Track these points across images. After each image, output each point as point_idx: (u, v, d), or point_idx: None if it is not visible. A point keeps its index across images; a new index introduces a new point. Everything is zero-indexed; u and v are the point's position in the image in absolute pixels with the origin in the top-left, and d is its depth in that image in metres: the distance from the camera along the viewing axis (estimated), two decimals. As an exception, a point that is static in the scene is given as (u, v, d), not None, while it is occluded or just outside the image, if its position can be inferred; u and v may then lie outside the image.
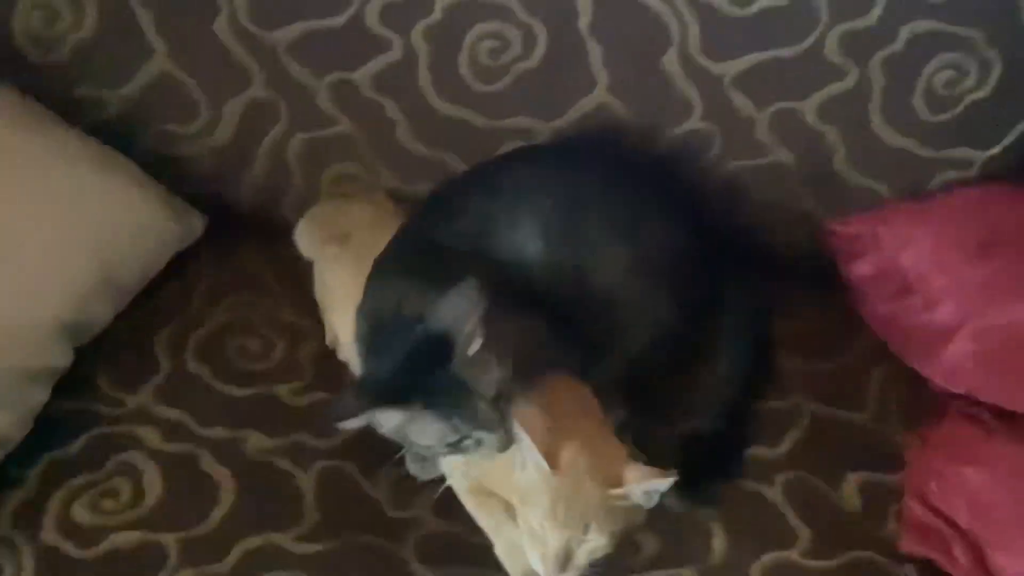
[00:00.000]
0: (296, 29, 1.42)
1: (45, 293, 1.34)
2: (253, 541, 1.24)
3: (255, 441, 1.33)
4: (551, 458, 1.14)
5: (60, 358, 1.35)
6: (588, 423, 1.20)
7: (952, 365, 1.36)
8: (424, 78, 1.44)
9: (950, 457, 1.28)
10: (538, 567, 1.15)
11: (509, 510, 1.24)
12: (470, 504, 1.28)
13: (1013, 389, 1.30)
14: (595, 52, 1.40)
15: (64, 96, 1.46)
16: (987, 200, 1.43)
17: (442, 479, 1.31)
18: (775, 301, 1.45)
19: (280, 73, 1.45)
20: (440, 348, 1.11)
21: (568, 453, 1.15)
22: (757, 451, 1.32)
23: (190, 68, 1.46)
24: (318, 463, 1.32)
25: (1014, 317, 1.32)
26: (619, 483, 1.13)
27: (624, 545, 1.17)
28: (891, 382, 1.41)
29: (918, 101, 1.40)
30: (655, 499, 1.15)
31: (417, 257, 1.27)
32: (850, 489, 1.29)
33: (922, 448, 1.32)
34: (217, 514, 1.26)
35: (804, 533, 1.24)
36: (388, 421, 1.14)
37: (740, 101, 1.41)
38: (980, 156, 1.43)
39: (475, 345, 1.11)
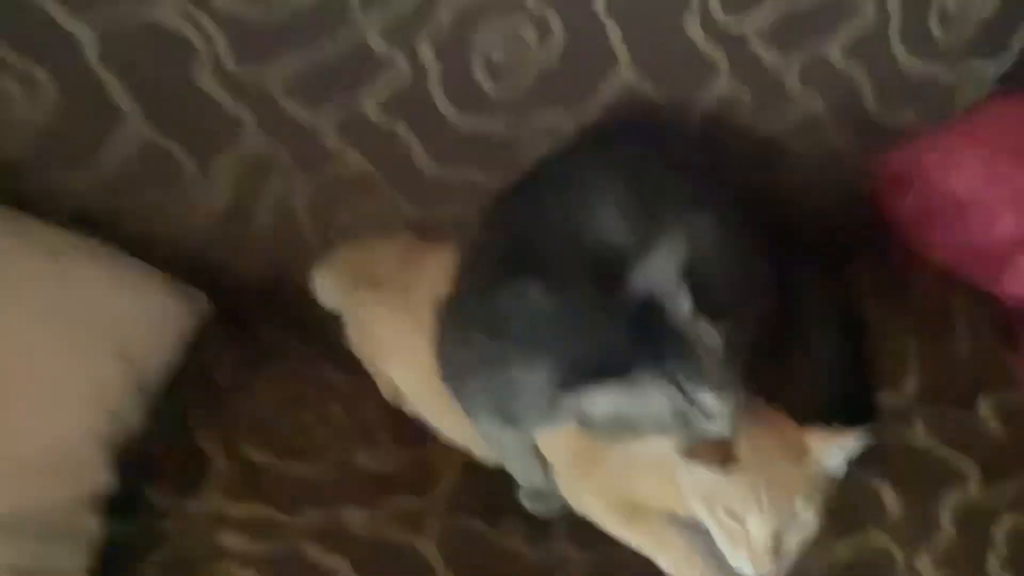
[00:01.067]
0: (289, 63, 1.28)
1: (77, 408, 1.15)
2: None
3: (355, 517, 1.18)
4: (735, 445, 1.04)
5: (107, 476, 1.15)
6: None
7: (1033, 272, 1.34)
8: (437, 92, 1.32)
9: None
10: (745, 567, 1.04)
11: (663, 519, 1.13)
12: (615, 525, 1.16)
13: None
14: (614, 31, 1.31)
15: (26, 187, 1.27)
16: (1019, 109, 1.42)
17: (570, 511, 1.18)
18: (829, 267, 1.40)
19: (276, 116, 1.30)
20: (646, 315, 1.00)
21: (747, 436, 1.05)
22: (885, 397, 1.25)
23: (171, 129, 1.29)
24: (431, 524, 1.18)
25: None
26: (805, 454, 1.04)
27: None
28: (972, 308, 1.37)
29: (933, 24, 1.39)
30: (844, 467, 1.06)
31: (503, 262, 1.15)
32: (987, 414, 1.24)
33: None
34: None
35: (969, 468, 1.18)
36: (605, 398, 1.00)
37: (766, 54, 1.36)
38: (995, 71, 1.43)
39: (685, 303, 1.00)
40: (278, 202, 1.36)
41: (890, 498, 1.16)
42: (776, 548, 1.03)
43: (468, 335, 1.12)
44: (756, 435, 1.06)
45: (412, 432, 1.27)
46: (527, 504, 1.21)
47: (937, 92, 1.43)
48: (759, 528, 1.03)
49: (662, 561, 1.12)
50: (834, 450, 1.04)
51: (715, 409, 1.00)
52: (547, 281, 1.08)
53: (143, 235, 1.32)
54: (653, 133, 1.34)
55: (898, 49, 1.39)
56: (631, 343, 1.00)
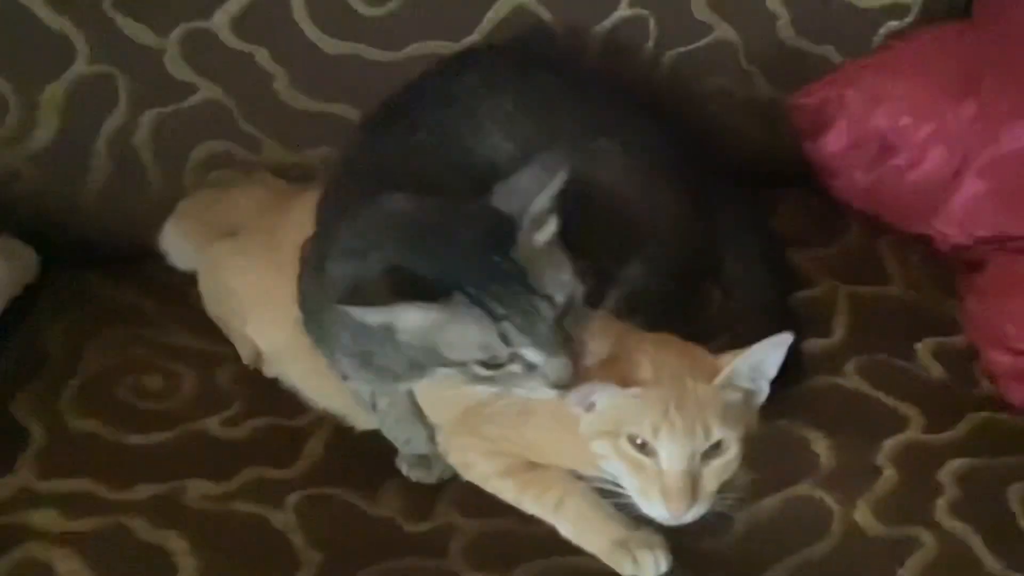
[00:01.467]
0: (124, -25, 1.12)
1: None
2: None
3: (197, 490, 0.99)
4: (639, 368, 0.88)
5: None
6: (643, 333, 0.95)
7: (967, 211, 1.21)
8: (299, 11, 1.16)
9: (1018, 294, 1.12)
10: (659, 510, 0.88)
11: (566, 478, 0.96)
12: (510, 490, 0.99)
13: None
14: (500, -56, 1.19)
15: None
16: (946, 38, 1.29)
17: (454, 476, 1.01)
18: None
19: (110, 36, 1.14)
20: (502, 235, 0.84)
21: (651, 360, 0.90)
22: (811, 344, 1.10)
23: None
24: (291, 496, 0.99)
25: (1019, 142, 1.21)
26: (717, 375, 0.89)
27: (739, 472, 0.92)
28: (901, 252, 1.24)
29: (848, -54, 1.27)
30: (765, 387, 0.91)
31: (376, 179, 0.98)
32: (926, 359, 1.10)
33: (977, 299, 1.16)
34: (184, 583, 0.91)
35: (910, 411, 1.03)
36: (414, 321, 0.84)
37: (669, -27, 1.23)
38: (916, 1, 1.32)
39: (548, 230, 0.85)
40: (116, 141, 1.19)
41: (822, 447, 1.00)
42: (693, 484, 0.87)
43: (322, 264, 0.95)
44: (662, 356, 0.90)
45: (274, 400, 1.09)
46: (407, 471, 1.03)
47: (857, 21, 1.30)
48: (672, 456, 0.87)
49: (563, 527, 0.96)
50: (750, 361, 0.89)
51: (541, 369, 0.85)
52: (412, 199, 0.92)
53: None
54: (546, 56, 1.19)
55: (812, -30, 1.27)
56: (471, 263, 0.84)
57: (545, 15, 1.21)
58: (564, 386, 0.86)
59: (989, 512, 0.94)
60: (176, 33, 1.15)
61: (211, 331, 1.15)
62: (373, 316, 0.85)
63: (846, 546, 0.93)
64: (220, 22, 1.15)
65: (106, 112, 1.17)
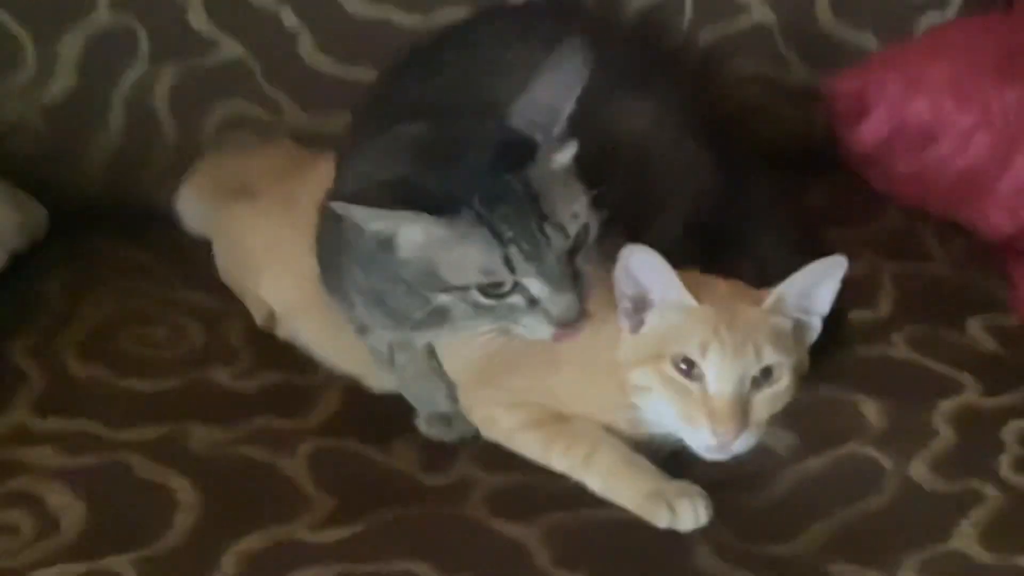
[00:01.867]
0: (152, -78, 1.10)
1: None
2: (251, 541, 0.83)
3: (202, 435, 0.93)
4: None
5: None
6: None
7: (1015, 196, 1.16)
8: (328, -31, 1.14)
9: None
10: (705, 436, 0.82)
11: (596, 430, 0.90)
12: (535, 445, 0.92)
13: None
14: (533, -89, 1.16)
15: None
16: (987, 27, 1.26)
17: (476, 436, 0.94)
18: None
19: (133, -15, 1.11)
20: (517, 156, 0.78)
21: (699, 286, 0.84)
22: (858, 315, 1.04)
23: (6, -1, 1.09)
24: (302, 446, 0.93)
25: (1067, 124, 1.17)
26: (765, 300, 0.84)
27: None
28: (943, 234, 1.19)
29: (890, -67, 1.25)
30: (817, 323, 0.85)
31: (394, 117, 0.92)
32: (977, 333, 1.03)
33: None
34: (183, 522, 0.84)
35: (965, 378, 0.97)
36: (416, 235, 0.79)
37: (703, -51, 1.21)
38: (958, -4, 1.30)
39: (567, 153, 0.80)
40: (134, 96, 1.15)
41: (872, 411, 0.93)
42: (742, 409, 0.81)
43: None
44: (709, 285, 0.85)
45: (286, 358, 1.03)
46: (427, 430, 0.96)
47: (897, 9, 1.27)
48: (721, 376, 0.81)
49: (593, 481, 0.88)
50: (799, 285, 0.84)
51: (544, 304, 0.79)
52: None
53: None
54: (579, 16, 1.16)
55: (850, -45, 1.25)
56: (481, 181, 0.79)
57: (581, -13, 1.19)
58: (567, 325, 0.80)
59: (1058, 468, 0.87)
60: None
61: (222, 291, 1.09)
62: (375, 221, 0.79)
63: (902, 500, 0.86)
64: (246, -22, 1.13)
65: (125, 66, 1.13)
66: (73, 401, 0.95)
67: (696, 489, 0.85)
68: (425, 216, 0.78)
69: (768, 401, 0.83)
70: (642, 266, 0.84)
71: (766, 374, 0.82)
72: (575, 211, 0.80)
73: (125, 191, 1.17)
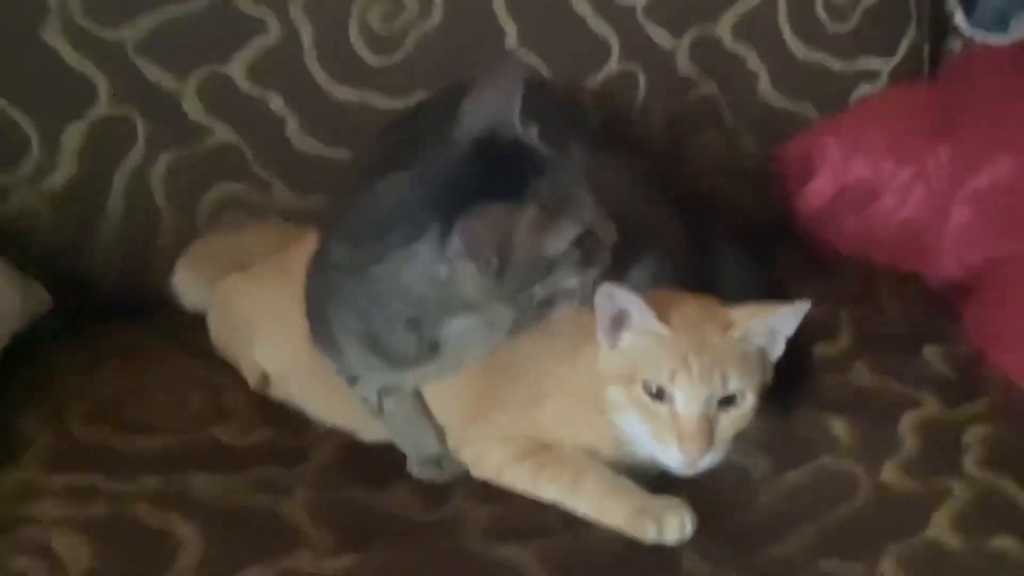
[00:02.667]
0: (147, 21, 1.18)
1: None
2: (254, 571, 0.86)
3: (203, 483, 0.96)
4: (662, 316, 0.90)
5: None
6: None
7: (957, 241, 1.25)
8: (311, 59, 1.23)
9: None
10: (673, 454, 0.88)
11: (581, 457, 0.95)
12: (523, 475, 0.97)
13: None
14: (499, 2, 1.27)
15: None
16: (915, 94, 1.39)
17: (467, 475, 0.99)
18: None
19: (132, 79, 1.19)
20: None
21: (673, 309, 0.91)
22: (821, 348, 1.11)
23: (13, 92, 1.16)
24: (300, 491, 0.97)
25: (996, 173, 1.26)
26: (731, 327, 0.90)
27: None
28: (896, 285, 1.26)
29: (820, 12, 1.36)
30: (782, 344, 0.92)
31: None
32: (935, 359, 1.10)
33: (977, 309, 1.18)
34: (187, 559, 0.88)
35: (926, 397, 1.03)
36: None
37: (656, 32, 1.31)
38: (885, 67, 1.40)
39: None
40: (132, 182, 1.22)
41: (840, 427, 0.99)
42: (709, 428, 0.87)
43: (323, 250, 0.97)
44: (682, 307, 0.91)
45: (282, 416, 1.07)
46: (419, 473, 1.01)
47: (832, 82, 1.38)
48: (688, 399, 0.87)
49: (581, 505, 0.93)
50: (767, 324, 0.91)
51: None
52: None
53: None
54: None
55: (788, 34, 1.36)
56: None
57: (542, 67, 1.29)
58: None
59: (1020, 462, 0.93)
60: (194, 77, 1.21)
61: (220, 364, 1.14)
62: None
63: (876, 503, 0.91)
64: (237, 68, 1.21)
65: (124, 153, 1.20)
66: (78, 459, 0.98)
67: (679, 502, 0.90)
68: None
69: (733, 421, 0.89)
70: (619, 297, 0.91)
71: (731, 397, 0.89)
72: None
73: (128, 273, 1.23)
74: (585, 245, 0.88)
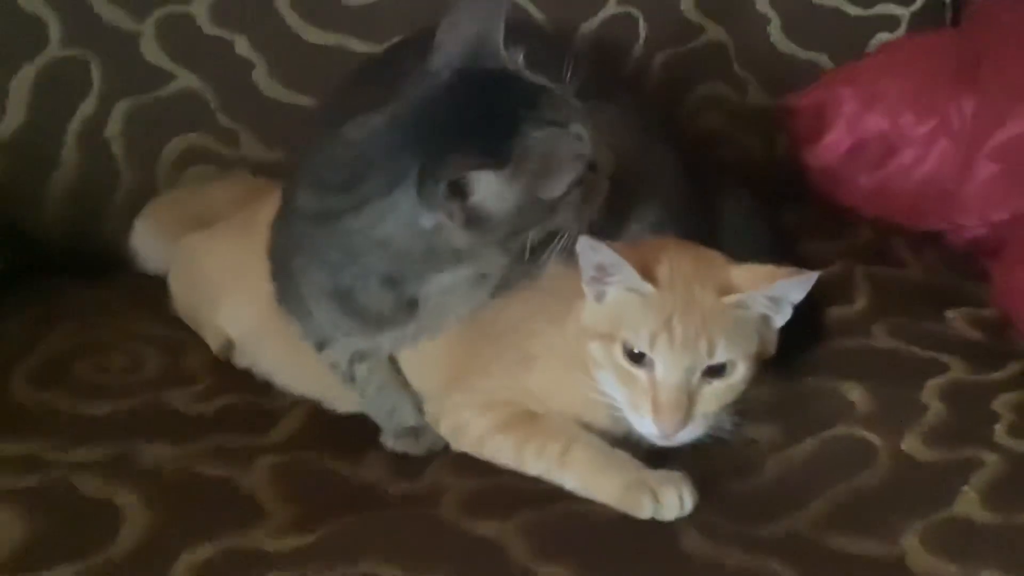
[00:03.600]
0: (101, -45, 1.09)
1: None
2: (204, 551, 0.76)
3: (155, 452, 0.87)
4: (655, 267, 0.80)
5: None
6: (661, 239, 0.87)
7: (982, 197, 1.16)
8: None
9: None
10: (648, 426, 0.80)
11: (570, 427, 0.86)
12: (507, 448, 0.87)
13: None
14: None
15: None
16: (938, 42, 1.29)
17: (446, 447, 0.90)
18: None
19: (86, 18, 1.10)
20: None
21: (668, 261, 0.81)
22: (833, 312, 1.02)
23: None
24: (261, 460, 0.87)
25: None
26: (731, 290, 0.81)
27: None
28: (914, 245, 1.18)
29: (836, -49, 1.27)
30: (788, 311, 0.82)
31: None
32: (957, 323, 1.01)
33: (1004, 270, 1.08)
34: (130, 535, 0.78)
35: (952, 362, 0.94)
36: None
37: (658, -29, 1.22)
38: (905, 12, 1.31)
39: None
40: (87, 132, 1.13)
41: (857, 394, 0.90)
42: (686, 402, 0.78)
43: (292, 209, 0.88)
44: (678, 260, 0.82)
45: (245, 382, 0.98)
46: (393, 445, 0.91)
47: (848, 29, 1.29)
48: (667, 368, 0.78)
49: (570, 479, 0.83)
50: (770, 293, 0.80)
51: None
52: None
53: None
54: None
55: (800, -24, 1.27)
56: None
57: (534, 11, 1.19)
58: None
59: (1057, 432, 0.84)
60: (153, 17, 1.12)
61: (179, 324, 1.05)
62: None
63: (897, 474, 0.82)
64: (199, 7, 1.12)
65: (78, 100, 1.12)
66: (17, 426, 0.89)
67: (679, 475, 0.81)
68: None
69: (718, 394, 0.80)
70: (600, 251, 0.81)
71: (718, 367, 0.80)
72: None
73: (82, 231, 1.14)
74: (584, 181, 0.79)
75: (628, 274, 0.80)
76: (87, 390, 0.95)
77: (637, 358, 0.80)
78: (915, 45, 1.30)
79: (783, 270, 0.82)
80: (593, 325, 0.82)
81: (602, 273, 0.81)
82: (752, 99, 1.28)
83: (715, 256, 0.84)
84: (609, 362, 0.81)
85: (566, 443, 0.85)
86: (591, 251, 0.81)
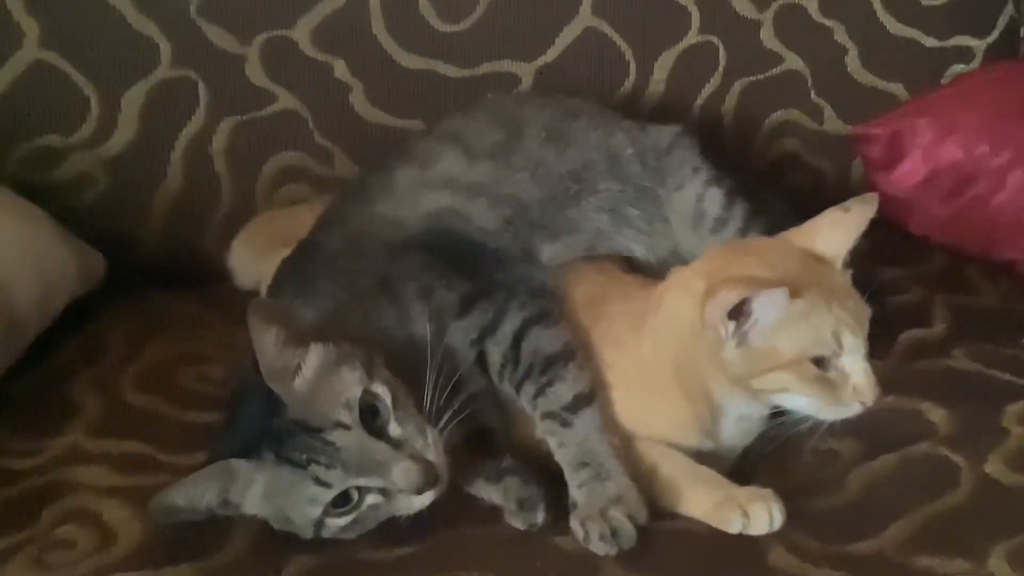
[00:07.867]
0: (212, -21, 1.15)
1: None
2: (308, 559, 0.80)
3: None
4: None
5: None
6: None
7: (1058, 227, 1.18)
8: (378, 25, 1.18)
9: None
10: (853, 407, 0.84)
11: (656, 447, 0.89)
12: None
13: None
14: (576, -31, 1.21)
15: None
16: (1010, 74, 1.31)
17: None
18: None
19: (195, 41, 1.15)
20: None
21: (761, 263, 0.86)
22: (915, 333, 1.05)
23: (72, 52, 1.13)
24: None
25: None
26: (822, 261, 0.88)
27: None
28: (988, 273, 1.19)
29: (915, -14, 1.30)
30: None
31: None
32: (1036, 347, 1.03)
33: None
34: (242, 540, 0.82)
35: (1031, 385, 0.96)
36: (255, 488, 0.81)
37: (740, 3, 1.25)
38: (981, 44, 1.33)
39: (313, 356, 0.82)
40: (193, 149, 1.18)
41: (938, 415, 0.92)
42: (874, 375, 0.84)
43: None
44: (767, 257, 0.86)
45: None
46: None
47: (924, 60, 1.31)
48: (857, 350, 0.83)
49: (661, 499, 0.85)
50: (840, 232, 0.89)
51: (391, 486, 0.80)
52: None
53: (26, 183, 1.13)
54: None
55: (879, 7, 1.29)
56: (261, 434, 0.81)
57: (615, 37, 1.23)
58: (425, 486, 0.80)
59: None
60: (258, 41, 1.16)
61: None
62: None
63: (981, 496, 0.84)
64: (301, 32, 1.17)
65: (185, 118, 1.17)
66: (127, 426, 0.95)
67: (768, 492, 0.83)
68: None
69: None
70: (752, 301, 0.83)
71: None
72: (346, 399, 0.80)
73: (184, 244, 1.19)
74: None
75: (778, 300, 0.82)
76: (189, 398, 0.99)
77: (822, 361, 0.83)
78: (990, 77, 1.32)
79: (824, 220, 0.90)
80: (752, 368, 0.84)
81: (736, 315, 0.83)
82: (827, 126, 1.31)
83: (784, 239, 0.89)
84: (800, 383, 0.83)
85: (653, 462, 0.88)
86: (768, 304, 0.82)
